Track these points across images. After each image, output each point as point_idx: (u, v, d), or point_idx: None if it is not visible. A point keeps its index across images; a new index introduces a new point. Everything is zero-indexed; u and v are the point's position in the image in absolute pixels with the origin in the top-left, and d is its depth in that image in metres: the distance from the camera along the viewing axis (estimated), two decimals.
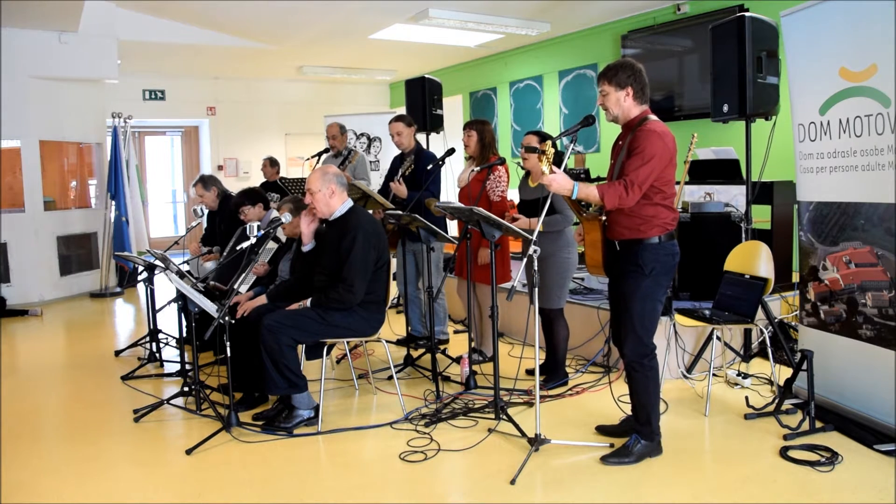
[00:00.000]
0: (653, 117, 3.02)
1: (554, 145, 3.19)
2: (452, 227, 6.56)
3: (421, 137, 6.02)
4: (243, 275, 3.75)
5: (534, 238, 3.01)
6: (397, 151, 5.21)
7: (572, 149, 3.41)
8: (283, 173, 8.33)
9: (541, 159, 2.92)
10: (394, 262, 5.26)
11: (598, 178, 6.46)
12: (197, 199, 5.64)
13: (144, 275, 5.00)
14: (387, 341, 4.51)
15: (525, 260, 3.05)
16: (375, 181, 7.95)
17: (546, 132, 4.37)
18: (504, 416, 3.53)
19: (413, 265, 5.03)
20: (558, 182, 2.92)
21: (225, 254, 5.01)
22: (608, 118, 3.12)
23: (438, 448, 3.32)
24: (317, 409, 3.69)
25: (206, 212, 5.77)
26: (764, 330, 4.29)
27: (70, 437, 3.70)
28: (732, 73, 4.36)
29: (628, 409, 3.29)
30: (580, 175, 6.51)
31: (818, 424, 3.38)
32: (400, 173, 4.88)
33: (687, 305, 4.32)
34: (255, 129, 11.73)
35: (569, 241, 4.11)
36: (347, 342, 4.16)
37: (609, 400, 3.76)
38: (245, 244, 3.74)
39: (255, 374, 3.67)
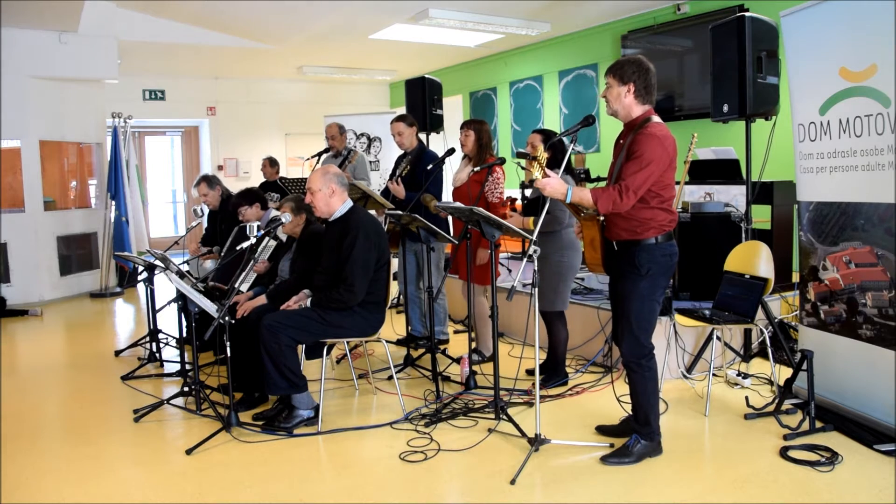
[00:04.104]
0: (655, 119, 2.97)
1: (560, 144, 3.19)
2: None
3: (421, 137, 6.01)
4: (244, 274, 3.76)
5: (534, 238, 3.01)
6: (397, 151, 5.21)
7: (572, 149, 3.41)
8: (282, 173, 8.34)
9: (532, 165, 2.92)
10: (395, 261, 5.27)
11: (598, 178, 6.46)
12: (199, 198, 5.64)
13: (144, 275, 5.00)
14: (387, 341, 4.51)
15: (524, 260, 3.05)
16: (375, 181, 7.95)
17: (551, 130, 4.36)
18: (504, 416, 3.53)
19: (414, 265, 5.03)
20: (552, 186, 2.92)
21: (223, 253, 5.01)
22: (607, 111, 3.08)
23: (438, 448, 3.32)
24: (317, 409, 3.69)
25: (206, 212, 5.77)
26: (764, 330, 4.29)
27: (70, 437, 3.70)
28: (732, 73, 4.36)
29: (630, 408, 3.29)
30: (580, 175, 6.51)
31: (818, 424, 3.38)
32: (397, 174, 4.88)
33: (687, 305, 4.32)
34: (255, 129, 11.73)
35: (564, 244, 4.08)
36: (347, 342, 4.16)
37: (609, 400, 3.76)
38: (245, 244, 3.74)
39: (255, 374, 3.67)
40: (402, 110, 6.47)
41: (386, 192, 5.01)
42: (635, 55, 3.08)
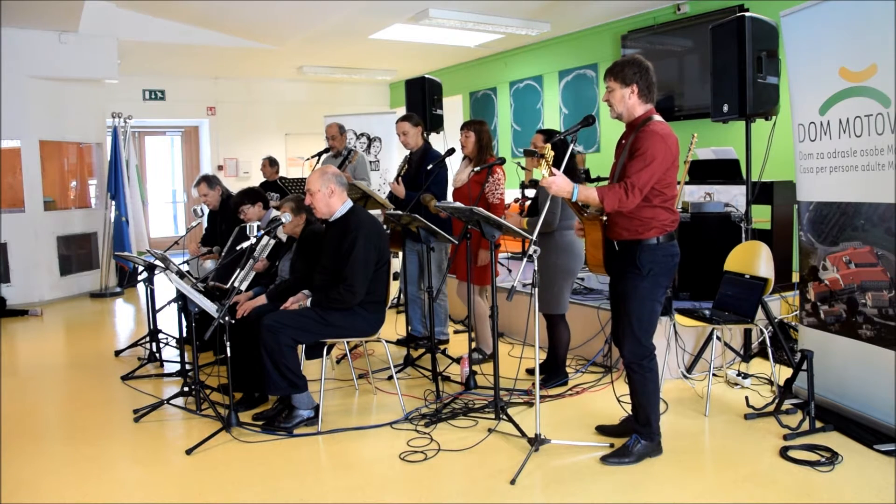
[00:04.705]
0: (657, 118, 2.99)
1: (562, 143, 3.18)
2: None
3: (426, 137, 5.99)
4: (243, 273, 3.76)
5: (534, 238, 3.01)
6: (397, 151, 5.21)
7: (572, 149, 3.41)
8: (282, 173, 8.34)
9: (539, 163, 2.91)
10: (396, 261, 5.27)
11: (599, 178, 6.47)
12: (199, 198, 5.64)
13: (144, 275, 5.00)
14: (387, 341, 4.51)
15: (524, 260, 3.05)
16: (375, 181, 7.95)
17: (553, 129, 4.35)
18: (504, 416, 3.53)
19: (416, 265, 5.02)
20: (558, 184, 2.91)
21: (224, 253, 5.01)
22: (612, 115, 3.08)
23: (438, 448, 3.32)
24: (317, 409, 3.69)
25: (206, 212, 5.77)
26: (764, 330, 4.29)
27: (70, 437, 3.70)
28: (732, 73, 4.36)
29: (630, 408, 3.29)
30: (581, 175, 6.51)
31: (818, 424, 3.38)
32: (397, 174, 4.89)
33: (687, 305, 4.32)
34: (255, 129, 11.73)
35: (558, 246, 4.06)
36: (347, 342, 4.16)
37: (609, 400, 3.76)
38: (245, 244, 3.74)
39: (255, 374, 3.67)
40: (403, 110, 6.47)
41: (391, 195, 5.01)
42: (632, 56, 3.07)
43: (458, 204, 3.82)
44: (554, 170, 2.93)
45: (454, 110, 10.72)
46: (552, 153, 2.92)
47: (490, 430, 3.49)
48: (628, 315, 3.04)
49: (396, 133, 5.05)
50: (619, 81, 2.98)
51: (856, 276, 3.47)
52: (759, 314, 4.02)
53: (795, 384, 3.56)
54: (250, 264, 3.80)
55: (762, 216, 5.02)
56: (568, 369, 4.31)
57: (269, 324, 3.49)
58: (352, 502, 2.86)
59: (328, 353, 4.03)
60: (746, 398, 3.77)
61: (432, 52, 9.71)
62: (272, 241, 4.16)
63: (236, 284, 3.69)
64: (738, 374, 4.15)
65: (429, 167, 4.67)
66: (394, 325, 5.56)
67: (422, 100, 6.61)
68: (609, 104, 3.06)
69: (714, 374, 4.21)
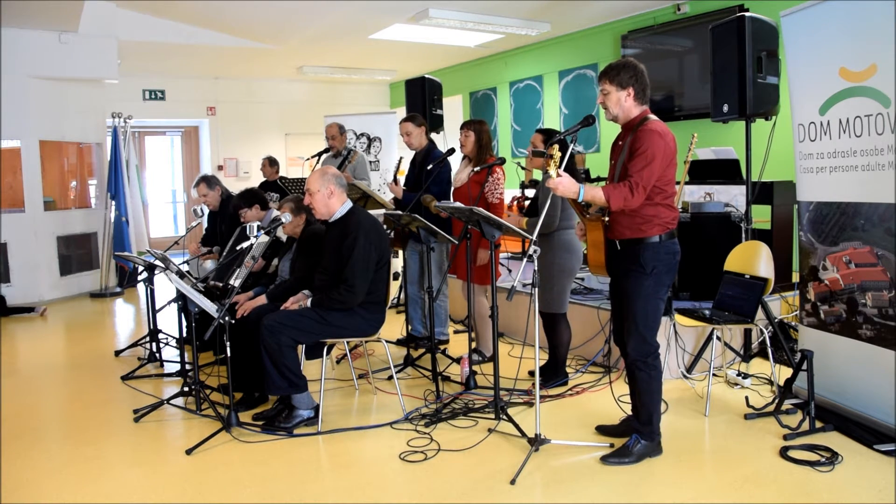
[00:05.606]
0: (653, 117, 3.02)
1: (563, 143, 3.19)
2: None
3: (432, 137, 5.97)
4: (238, 271, 3.76)
5: (534, 237, 3.01)
6: (398, 151, 5.21)
7: (572, 149, 3.41)
8: (282, 173, 8.34)
9: (548, 163, 2.92)
10: (397, 262, 5.27)
11: (598, 178, 6.47)
12: (199, 199, 5.64)
13: (144, 275, 5.00)
14: (387, 341, 4.51)
15: (525, 260, 3.05)
16: (375, 181, 7.95)
17: (553, 129, 4.35)
18: (504, 416, 3.53)
19: (418, 264, 5.02)
20: (564, 185, 2.93)
21: (224, 253, 5.01)
22: (608, 117, 3.12)
23: (438, 448, 3.32)
24: (317, 409, 3.69)
25: (206, 212, 5.77)
26: (764, 330, 4.29)
27: (70, 437, 3.70)
28: (732, 73, 4.36)
29: (629, 408, 3.29)
30: (581, 175, 6.50)
31: (818, 424, 3.38)
32: (393, 175, 4.90)
33: (687, 305, 4.32)
34: (255, 129, 11.73)
35: (560, 246, 4.06)
36: (347, 342, 4.16)
37: (609, 400, 3.76)
38: (245, 244, 3.74)
39: (255, 374, 3.67)
40: (403, 110, 6.47)
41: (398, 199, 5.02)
42: (625, 59, 3.12)
43: (458, 204, 3.82)
44: (560, 171, 2.93)
45: (454, 110, 10.71)
46: (559, 153, 2.92)
47: (490, 430, 3.49)
48: (633, 314, 3.04)
49: (400, 133, 5.05)
50: (615, 85, 3.01)
51: (856, 276, 3.47)
52: (759, 314, 4.02)
53: (795, 384, 3.56)
54: (251, 265, 3.80)
55: (762, 216, 5.02)
56: (568, 369, 4.31)
57: (269, 324, 3.49)
58: (352, 502, 2.86)
59: (328, 353, 4.03)
60: (746, 398, 3.77)
61: (432, 52, 9.71)
62: (265, 239, 4.16)
63: (231, 282, 3.69)
64: (738, 374, 4.15)
65: (428, 167, 4.67)
66: (394, 326, 5.56)
67: (422, 100, 6.61)
68: (604, 107, 3.09)
69: (714, 374, 4.21)
